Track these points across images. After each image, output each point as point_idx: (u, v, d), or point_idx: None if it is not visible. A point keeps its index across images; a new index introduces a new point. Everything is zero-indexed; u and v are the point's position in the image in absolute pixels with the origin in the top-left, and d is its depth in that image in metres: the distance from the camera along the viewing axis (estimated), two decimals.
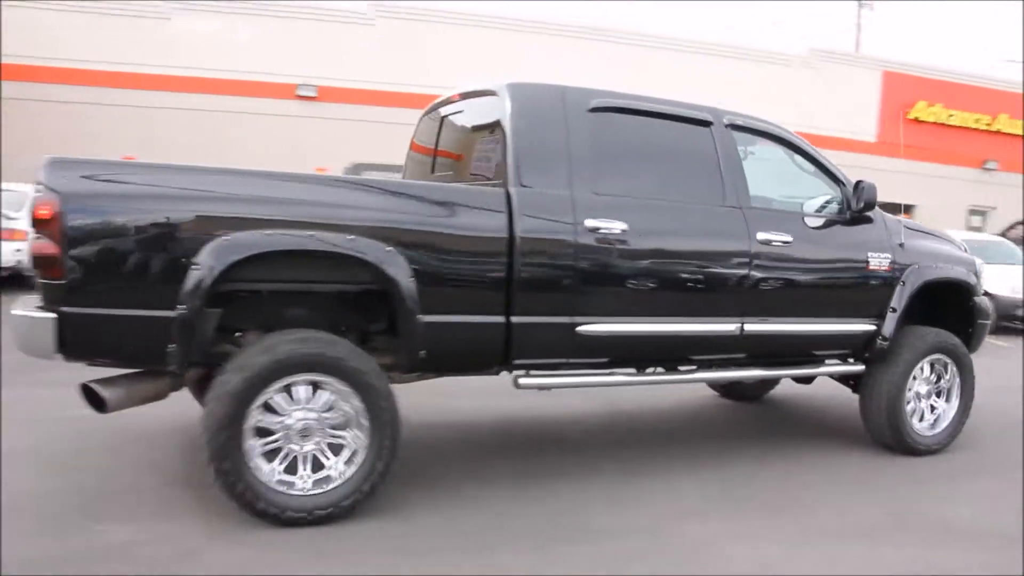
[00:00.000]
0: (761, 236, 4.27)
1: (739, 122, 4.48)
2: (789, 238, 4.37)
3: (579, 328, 3.82)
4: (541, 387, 3.98)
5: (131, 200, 3.15)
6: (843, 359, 4.93)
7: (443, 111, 4.71)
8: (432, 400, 5.07)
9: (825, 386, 5.60)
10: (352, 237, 3.35)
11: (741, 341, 4.32)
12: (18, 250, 10.18)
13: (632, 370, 4.31)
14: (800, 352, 4.74)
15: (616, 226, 3.86)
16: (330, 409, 3.39)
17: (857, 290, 4.73)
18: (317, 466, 3.39)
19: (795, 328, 4.50)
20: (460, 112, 4.55)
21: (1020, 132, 21.47)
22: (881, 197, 4.68)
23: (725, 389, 6.35)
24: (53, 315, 3.07)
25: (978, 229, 18.84)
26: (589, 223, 3.80)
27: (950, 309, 5.26)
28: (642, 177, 4.18)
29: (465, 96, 4.42)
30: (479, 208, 3.66)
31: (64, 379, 4.87)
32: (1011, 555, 3.45)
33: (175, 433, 4.46)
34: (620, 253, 3.90)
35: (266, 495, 3.25)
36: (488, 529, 3.46)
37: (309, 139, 16.23)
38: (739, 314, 4.27)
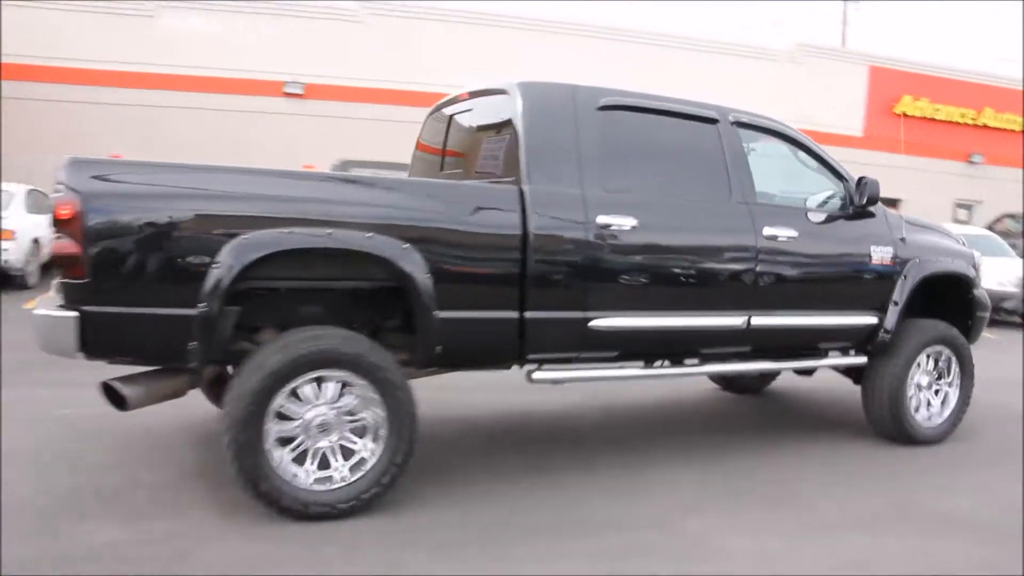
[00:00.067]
0: (767, 231, 4.34)
1: (744, 119, 4.53)
2: (794, 233, 4.43)
3: (592, 323, 3.87)
4: (555, 381, 4.03)
5: (151, 200, 3.17)
6: (845, 351, 5.01)
7: (450, 110, 4.74)
8: (445, 396, 5.12)
9: (825, 379, 5.68)
10: (370, 235, 3.39)
11: (747, 334, 4.38)
12: (5, 249, 10.13)
13: (641, 364, 4.40)
14: (804, 345, 4.82)
15: (626, 222, 3.91)
16: (349, 412, 3.42)
17: (860, 284, 4.81)
18: (346, 456, 3.43)
19: (800, 321, 4.57)
20: (469, 111, 4.58)
21: (1005, 126, 21.67)
22: None
23: (726, 382, 6.41)
24: (75, 314, 3.09)
25: (965, 222, 19.00)
26: (600, 219, 3.85)
27: (949, 302, 5.35)
28: (651, 174, 4.24)
29: (474, 95, 4.45)
30: (493, 206, 3.70)
31: (64, 379, 4.90)
32: (1010, 546, 3.51)
33: (176, 432, 4.47)
34: (631, 249, 3.96)
35: (291, 492, 3.28)
36: (499, 524, 3.50)
37: (297, 136, 16.15)
38: (745, 308, 4.33)
